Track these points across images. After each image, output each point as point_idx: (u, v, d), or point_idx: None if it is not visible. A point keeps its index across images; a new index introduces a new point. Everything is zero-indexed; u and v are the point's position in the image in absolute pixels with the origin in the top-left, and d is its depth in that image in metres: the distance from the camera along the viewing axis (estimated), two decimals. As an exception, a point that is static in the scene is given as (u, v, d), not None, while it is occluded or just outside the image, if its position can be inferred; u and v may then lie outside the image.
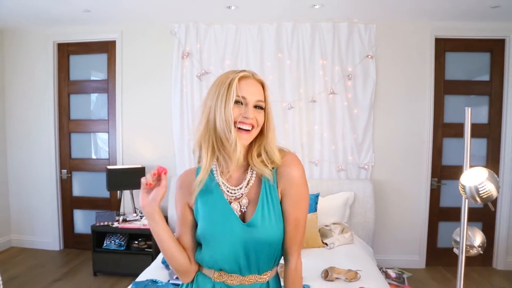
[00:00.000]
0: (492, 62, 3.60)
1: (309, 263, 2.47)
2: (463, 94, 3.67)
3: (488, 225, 3.70)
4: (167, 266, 2.44)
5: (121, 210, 3.75)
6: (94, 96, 4.03)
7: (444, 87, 3.64)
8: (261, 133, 1.03)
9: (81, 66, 4.02)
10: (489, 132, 3.65)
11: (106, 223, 3.41)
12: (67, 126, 4.03)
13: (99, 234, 3.43)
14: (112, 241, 3.41)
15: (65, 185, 4.07)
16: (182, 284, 1.14)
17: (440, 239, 3.75)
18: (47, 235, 4.04)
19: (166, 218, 3.66)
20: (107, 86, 3.94)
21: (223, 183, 1.04)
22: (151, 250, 3.33)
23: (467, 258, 3.91)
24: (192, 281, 1.10)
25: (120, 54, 3.80)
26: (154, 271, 2.38)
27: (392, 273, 3.09)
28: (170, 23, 3.64)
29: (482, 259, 3.71)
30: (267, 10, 3.31)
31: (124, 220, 3.45)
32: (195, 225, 1.08)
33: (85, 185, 4.10)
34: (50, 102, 3.94)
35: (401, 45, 3.56)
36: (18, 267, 3.55)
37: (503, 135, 3.59)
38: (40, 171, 4.00)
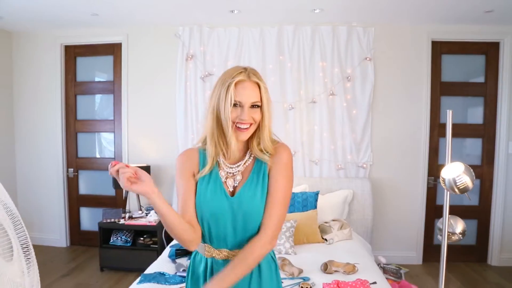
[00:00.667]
0: (487, 64, 3.71)
1: (309, 257, 2.60)
2: (458, 95, 3.78)
3: (483, 223, 3.81)
4: (173, 260, 2.55)
5: (127, 207, 3.86)
6: (99, 97, 4.14)
7: (440, 89, 3.75)
8: (259, 125, 1.16)
9: (88, 67, 4.13)
10: (484, 132, 3.76)
11: (112, 220, 3.51)
12: (74, 126, 4.14)
13: (105, 231, 3.54)
14: (119, 238, 3.52)
15: (72, 184, 4.18)
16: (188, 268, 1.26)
17: (437, 236, 3.85)
18: (54, 232, 4.15)
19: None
20: (113, 87, 4.05)
21: (223, 162, 1.18)
22: (156, 246, 3.44)
23: (463, 255, 4.03)
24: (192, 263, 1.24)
25: (125, 56, 3.91)
26: (161, 264, 2.49)
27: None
28: (175, 26, 3.75)
29: (477, 256, 3.82)
30: (269, 14, 3.42)
31: (130, 217, 3.56)
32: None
33: (91, 183, 4.22)
34: (57, 103, 4.05)
35: (398, 48, 3.67)
36: (27, 262, 3.65)
37: (498, 135, 3.70)
38: (48, 170, 4.11)
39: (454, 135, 3.76)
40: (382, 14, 3.41)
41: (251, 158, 1.19)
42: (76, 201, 4.20)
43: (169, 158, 3.87)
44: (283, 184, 1.15)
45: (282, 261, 2.40)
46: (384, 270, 3.41)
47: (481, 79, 3.75)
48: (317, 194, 3.23)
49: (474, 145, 3.83)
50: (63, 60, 4.06)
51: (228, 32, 3.68)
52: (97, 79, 4.16)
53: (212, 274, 1.17)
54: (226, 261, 1.16)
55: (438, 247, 3.83)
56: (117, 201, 4.12)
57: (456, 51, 3.73)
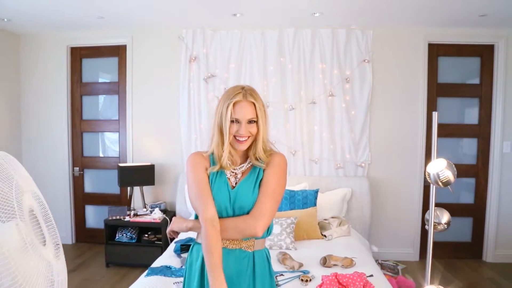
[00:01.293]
0: (482, 66, 3.81)
1: (309, 252, 2.70)
2: (454, 96, 3.88)
3: (478, 220, 3.91)
4: (179, 255, 2.65)
5: (132, 205, 3.96)
6: (105, 97, 4.25)
7: (437, 90, 3.85)
8: (256, 137, 1.35)
9: (93, 69, 4.23)
10: (479, 132, 3.86)
11: (118, 217, 3.61)
12: (80, 126, 4.24)
13: (111, 228, 3.65)
14: (124, 234, 3.63)
15: (77, 182, 4.28)
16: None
17: (425, 226, 3.95)
18: (60, 230, 4.16)
19: (174, 212, 3.88)
20: (118, 88, 4.15)
21: (229, 164, 1.36)
22: (160, 242, 3.54)
23: (459, 252, 4.13)
24: (192, 251, 1.41)
25: (130, 58, 4.02)
26: (167, 258, 2.59)
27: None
28: (178, 29, 3.86)
29: (473, 253, 3.93)
30: (270, 17, 3.53)
31: (135, 215, 3.66)
32: None
33: (97, 182, 4.32)
34: (63, 103, 4.16)
35: (396, 50, 3.77)
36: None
37: (493, 135, 3.80)
38: (54, 169, 4.21)
39: (450, 135, 3.90)
40: (380, 18, 3.51)
41: (250, 163, 1.39)
42: (81, 199, 4.30)
43: (173, 158, 3.97)
44: (272, 181, 1.33)
45: (283, 256, 2.50)
46: (382, 266, 3.52)
47: (476, 80, 3.85)
48: (316, 192, 3.33)
49: (469, 145, 3.93)
50: (69, 62, 4.16)
51: (230, 35, 3.78)
52: (102, 80, 4.26)
53: None
54: (223, 250, 1.28)
55: (435, 243, 3.89)
56: (121, 199, 4.23)
57: (452, 53, 3.83)
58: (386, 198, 3.86)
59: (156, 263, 2.50)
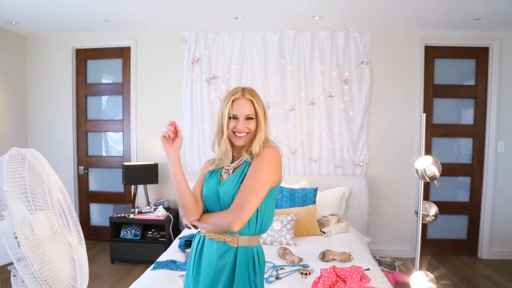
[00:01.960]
0: (477, 68, 3.91)
1: (309, 247, 2.80)
2: (450, 97, 3.98)
3: (473, 218, 4.01)
4: (183, 250, 2.75)
5: (136, 203, 4.06)
6: (109, 98, 4.35)
7: (433, 91, 3.95)
8: (255, 134, 1.41)
9: (98, 70, 4.33)
10: (475, 132, 3.96)
11: (122, 214, 3.71)
12: (84, 126, 4.34)
13: (116, 225, 3.74)
14: (128, 231, 3.72)
15: (82, 181, 4.38)
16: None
17: (430, 231, 4.06)
18: None
19: (177, 210, 3.97)
20: (122, 89, 4.25)
21: (226, 163, 1.44)
22: (164, 239, 3.64)
23: (455, 249, 4.23)
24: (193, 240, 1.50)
25: (134, 59, 4.12)
26: (172, 253, 2.69)
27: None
28: (181, 31, 3.95)
29: (468, 250, 4.03)
30: (271, 20, 3.63)
31: (139, 212, 3.76)
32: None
33: (101, 180, 4.42)
34: (68, 104, 4.25)
35: (393, 52, 3.87)
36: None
37: (487, 135, 3.91)
38: (59, 168, 4.29)
39: (446, 135, 4.00)
40: (378, 21, 3.61)
41: (243, 160, 1.42)
42: (86, 197, 4.40)
43: (176, 157, 4.06)
44: (253, 173, 1.32)
45: (284, 251, 2.60)
46: (379, 262, 3.62)
47: (471, 82, 3.96)
48: (316, 190, 3.43)
49: (465, 145, 4.03)
50: (74, 63, 4.26)
51: (232, 37, 3.88)
52: (106, 81, 4.36)
53: (202, 249, 1.41)
54: (210, 240, 1.39)
55: (431, 241, 4.04)
56: (125, 197, 4.32)
57: (448, 55, 3.93)
58: (384, 197, 3.96)
59: (162, 258, 2.60)
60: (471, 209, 4.01)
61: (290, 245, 2.88)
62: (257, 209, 1.33)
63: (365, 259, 2.59)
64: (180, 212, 3.88)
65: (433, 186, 4.03)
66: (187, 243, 2.81)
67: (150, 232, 3.71)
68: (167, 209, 3.89)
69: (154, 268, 2.38)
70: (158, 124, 4.11)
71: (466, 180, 4.03)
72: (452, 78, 3.98)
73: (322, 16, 3.49)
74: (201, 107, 3.94)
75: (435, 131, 3.98)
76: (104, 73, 4.37)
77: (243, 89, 1.39)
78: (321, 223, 3.28)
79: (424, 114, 1.27)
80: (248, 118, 1.36)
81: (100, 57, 4.28)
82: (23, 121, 4.28)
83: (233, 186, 1.34)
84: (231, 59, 3.90)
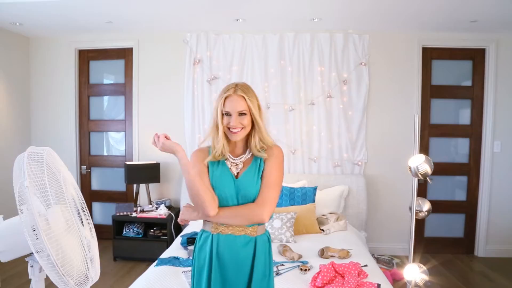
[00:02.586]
0: (474, 69, 3.98)
1: (308, 245, 2.86)
2: (447, 98, 4.05)
3: (470, 217, 4.07)
4: (185, 247, 2.81)
5: (138, 202, 4.12)
6: (111, 98, 4.41)
7: (431, 92, 4.02)
8: (254, 128, 1.47)
9: (100, 70, 4.40)
10: (471, 132, 4.03)
11: (125, 213, 3.78)
12: (87, 126, 4.40)
13: (118, 223, 3.81)
14: (131, 229, 3.79)
15: (85, 180, 4.44)
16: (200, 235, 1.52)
17: (427, 229, 4.12)
18: None
19: (178, 208, 4.04)
20: (124, 89, 4.31)
21: (229, 155, 1.50)
22: (166, 237, 3.71)
23: (452, 247, 4.29)
24: (200, 238, 1.51)
25: (136, 60, 4.18)
26: (174, 250, 2.76)
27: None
28: (183, 32, 4.02)
29: (465, 248, 4.09)
30: (271, 22, 3.70)
31: (142, 211, 3.82)
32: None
33: (103, 179, 4.48)
34: (71, 104, 4.32)
35: (391, 54, 3.94)
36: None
37: (484, 135, 3.97)
38: (62, 167, 4.36)
39: (443, 135, 4.07)
40: (376, 23, 3.67)
41: (250, 154, 1.51)
42: (88, 196, 4.46)
43: (177, 156, 4.12)
44: (274, 171, 1.46)
45: (284, 248, 2.66)
46: (378, 260, 3.69)
47: (468, 83, 4.02)
48: (315, 189, 3.49)
49: (462, 144, 4.10)
50: (77, 64, 4.32)
51: (233, 39, 3.94)
52: (109, 82, 4.42)
53: (218, 247, 1.44)
54: (229, 235, 1.43)
55: (428, 239, 4.11)
56: (127, 196, 4.39)
57: (445, 56, 4.00)
58: (382, 195, 4.02)
59: (165, 255, 2.66)
60: (468, 208, 4.08)
61: (290, 242, 2.95)
62: None
63: (363, 256, 2.66)
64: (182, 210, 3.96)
65: (430, 185, 4.09)
66: (189, 241, 2.87)
67: (152, 230, 3.77)
68: (169, 207, 3.96)
69: (157, 265, 2.44)
70: (160, 124, 4.17)
71: (463, 179, 4.10)
72: (449, 79, 4.05)
73: (322, 18, 3.55)
74: (202, 107, 4.00)
75: (433, 131, 4.05)
76: (106, 73, 4.43)
77: (236, 85, 1.44)
78: (320, 221, 3.35)
79: (418, 115, 1.34)
80: (241, 114, 1.41)
81: (102, 58, 4.35)
82: (26, 121, 4.34)
83: (255, 181, 1.44)
84: (232, 60, 3.96)
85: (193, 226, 3.36)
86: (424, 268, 1.37)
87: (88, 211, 1.20)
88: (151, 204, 3.99)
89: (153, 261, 2.61)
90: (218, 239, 1.45)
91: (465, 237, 4.11)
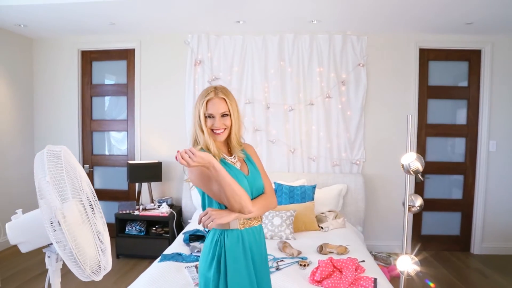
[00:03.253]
0: (470, 70, 4.06)
1: (307, 241, 2.94)
2: (444, 98, 4.12)
3: (466, 215, 4.15)
4: (187, 244, 2.88)
5: (140, 200, 4.19)
6: (113, 98, 4.48)
7: (428, 92, 4.09)
8: (232, 128, 1.52)
9: (103, 71, 4.46)
10: (468, 132, 4.10)
11: (127, 211, 3.84)
12: (90, 126, 4.47)
13: (121, 221, 3.87)
14: (133, 227, 3.86)
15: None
16: (222, 235, 1.52)
17: (424, 227, 4.20)
18: None
19: (180, 207, 4.11)
20: (126, 90, 4.38)
21: (224, 155, 1.55)
22: (168, 235, 3.78)
23: (448, 244, 4.36)
24: (219, 239, 1.50)
25: (138, 61, 4.25)
26: (177, 247, 2.82)
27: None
28: (184, 34, 4.09)
29: (461, 245, 4.17)
30: (271, 24, 3.77)
31: (144, 209, 3.89)
32: None
33: (105, 178, 4.55)
34: (74, 104, 4.38)
35: (389, 55, 4.01)
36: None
37: (480, 134, 4.05)
38: (65, 166, 4.42)
39: (440, 134, 4.15)
40: (374, 24, 3.75)
41: (240, 152, 1.59)
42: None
43: (179, 155, 4.19)
44: (260, 164, 1.65)
45: (283, 244, 2.74)
46: (375, 257, 3.76)
47: (464, 83, 4.10)
48: (314, 187, 3.56)
49: (458, 144, 4.18)
50: (79, 64, 4.39)
51: (233, 40, 4.01)
52: (111, 82, 4.49)
53: (244, 242, 1.47)
54: (250, 228, 1.51)
55: (425, 237, 4.19)
56: (129, 195, 4.45)
57: (442, 58, 4.08)
58: (379, 194, 4.10)
59: (168, 251, 2.73)
60: (464, 206, 4.15)
61: (290, 239, 3.02)
62: None
63: (360, 252, 2.73)
64: (184, 209, 4.00)
65: (427, 184, 4.17)
66: (191, 238, 2.95)
67: (154, 228, 3.84)
68: (171, 206, 4.03)
69: (161, 260, 2.51)
70: (162, 124, 4.24)
71: (459, 178, 4.17)
72: (446, 79, 4.12)
73: (321, 20, 3.62)
74: (203, 107, 4.06)
75: (430, 131, 4.12)
76: (108, 74, 4.49)
77: (216, 88, 1.48)
78: (319, 219, 3.42)
79: (410, 116, 1.41)
80: (224, 115, 1.47)
81: (105, 59, 4.41)
82: (30, 121, 4.41)
83: (258, 176, 1.58)
84: (232, 61, 4.03)
85: (195, 224, 3.43)
86: (416, 259, 1.45)
87: (100, 206, 1.27)
88: (153, 202, 4.07)
89: (155, 258, 2.67)
90: (247, 234, 1.50)
91: (461, 234, 4.18)
